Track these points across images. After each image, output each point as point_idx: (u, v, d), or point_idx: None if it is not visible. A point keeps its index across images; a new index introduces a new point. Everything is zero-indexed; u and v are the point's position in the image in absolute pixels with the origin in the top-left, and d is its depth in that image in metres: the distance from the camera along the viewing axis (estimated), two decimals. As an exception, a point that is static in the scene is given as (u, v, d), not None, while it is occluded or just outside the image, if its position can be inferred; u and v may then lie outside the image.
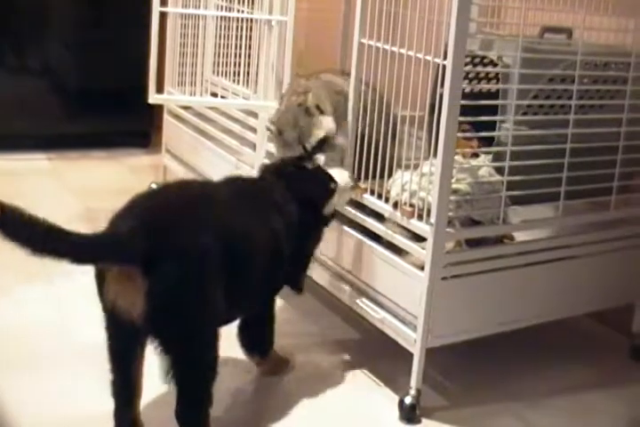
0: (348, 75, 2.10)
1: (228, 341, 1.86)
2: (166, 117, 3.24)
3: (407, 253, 1.92)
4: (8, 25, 3.69)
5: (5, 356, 2.04)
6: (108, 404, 1.81)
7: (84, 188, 3.34)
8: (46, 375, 1.97)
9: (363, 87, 2.05)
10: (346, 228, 2.11)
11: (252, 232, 1.73)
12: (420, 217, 1.87)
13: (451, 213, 1.85)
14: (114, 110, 3.84)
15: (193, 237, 1.57)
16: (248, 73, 2.62)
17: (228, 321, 1.80)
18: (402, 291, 1.93)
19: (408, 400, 1.90)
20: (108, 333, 1.64)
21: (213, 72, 2.75)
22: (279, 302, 2.38)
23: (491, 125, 1.93)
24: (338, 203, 2.00)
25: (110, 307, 1.56)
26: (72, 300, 2.36)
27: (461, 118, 1.78)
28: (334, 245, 2.16)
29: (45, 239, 1.44)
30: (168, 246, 1.53)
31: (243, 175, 1.96)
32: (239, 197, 1.78)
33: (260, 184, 1.92)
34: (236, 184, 1.87)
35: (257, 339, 1.99)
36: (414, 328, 1.88)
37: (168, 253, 1.52)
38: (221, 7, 2.66)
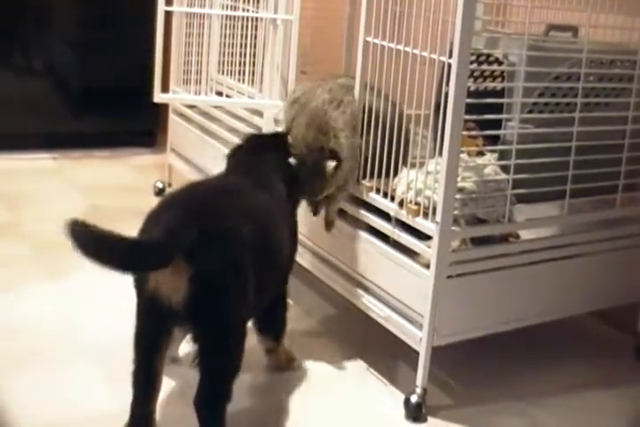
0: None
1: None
2: (171, 116, 3.24)
3: (418, 254, 1.92)
4: (12, 25, 3.69)
5: (6, 354, 2.04)
6: (109, 404, 1.82)
7: (90, 186, 3.34)
8: (47, 375, 1.97)
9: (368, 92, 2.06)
10: (351, 226, 2.12)
11: (270, 217, 1.80)
12: (425, 215, 1.87)
13: (456, 212, 1.85)
14: (119, 109, 3.85)
15: (231, 223, 1.64)
16: (253, 72, 2.62)
17: (253, 309, 1.82)
18: (407, 289, 1.93)
19: (414, 399, 1.90)
20: (141, 321, 1.65)
21: (218, 71, 2.75)
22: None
23: (496, 124, 1.93)
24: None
25: (150, 294, 1.57)
26: (75, 298, 2.36)
27: (467, 117, 1.78)
28: (340, 243, 2.16)
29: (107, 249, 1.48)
30: (211, 233, 1.58)
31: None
32: (251, 185, 1.85)
33: (258, 164, 1.97)
34: (242, 172, 1.94)
35: (271, 319, 2.01)
36: (420, 327, 1.88)
37: (211, 239, 1.57)
38: (226, 6, 2.66)
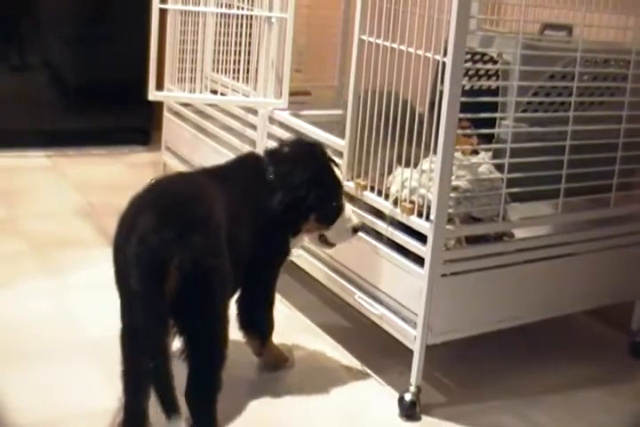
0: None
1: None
2: (166, 115, 3.24)
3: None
4: (8, 22, 3.68)
5: (4, 351, 2.04)
6: (109, 400, 1.81)
7: (85, 184, 3.33)
8: (46, 372, 1.97)
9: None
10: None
11: (239, 209, 1.81)
12: (419, 214, 1.87)
13: (450, 210, 1.85)
14: (113, 107, 3.84)
15: (208, 212, 1.68)
16: (248, 70, 2.62)
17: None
18: (401, 288, 1.93)
19: (408, 397, 1.90)
20: (133, 317, 1.63)
21: (213, 69, 2.74)
22: (278, 299, 2.39)
23: (490, 122, 1.93)
24: (335, 238, 2.01)
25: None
26: (74, 294, 2.36)
27: (461, 115, 1.78)
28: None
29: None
30: (191, 224, 1.61)
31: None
32: (222, 180, 1.86)
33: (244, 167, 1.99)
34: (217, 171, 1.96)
35: (256, 318, 2.00)
36: (414, 325, 1.88)
37: (193, 230, 1.60)
38: (221, 4, 2.66)
